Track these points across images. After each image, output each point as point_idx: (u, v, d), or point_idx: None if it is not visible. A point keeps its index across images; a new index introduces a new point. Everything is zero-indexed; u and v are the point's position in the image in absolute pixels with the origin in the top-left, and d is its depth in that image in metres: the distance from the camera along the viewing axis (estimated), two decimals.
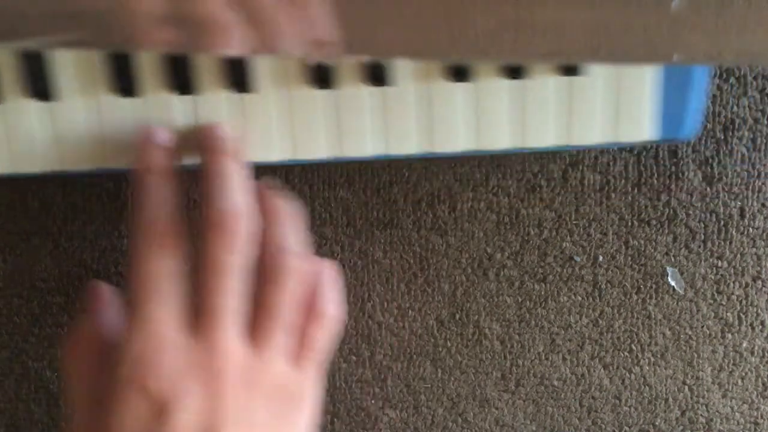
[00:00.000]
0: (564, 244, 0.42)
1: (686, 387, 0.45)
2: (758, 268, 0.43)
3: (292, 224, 0.36)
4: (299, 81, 0.36)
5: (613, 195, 0.42)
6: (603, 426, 0.46)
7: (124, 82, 0.35)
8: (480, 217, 0.42)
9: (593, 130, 0.37)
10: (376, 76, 0.35)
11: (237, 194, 0.34)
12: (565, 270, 0.43)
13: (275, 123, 0.36)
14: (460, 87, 0.36)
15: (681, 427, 0.46)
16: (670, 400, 0.45)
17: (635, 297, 0.43)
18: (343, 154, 0.37)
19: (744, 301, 0.43)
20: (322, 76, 0.35)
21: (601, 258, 0.43)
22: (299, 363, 0.35)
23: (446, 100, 0.36)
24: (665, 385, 0.45)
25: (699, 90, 0.36)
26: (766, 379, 0.45)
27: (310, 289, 0.36)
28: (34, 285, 0.43)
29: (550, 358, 0.44)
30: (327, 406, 0.45)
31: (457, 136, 0.37)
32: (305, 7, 0.30)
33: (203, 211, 0.34)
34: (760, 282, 0.43)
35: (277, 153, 0.37)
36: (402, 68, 0.36)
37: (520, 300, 0.43)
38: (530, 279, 0.43)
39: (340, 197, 0.41)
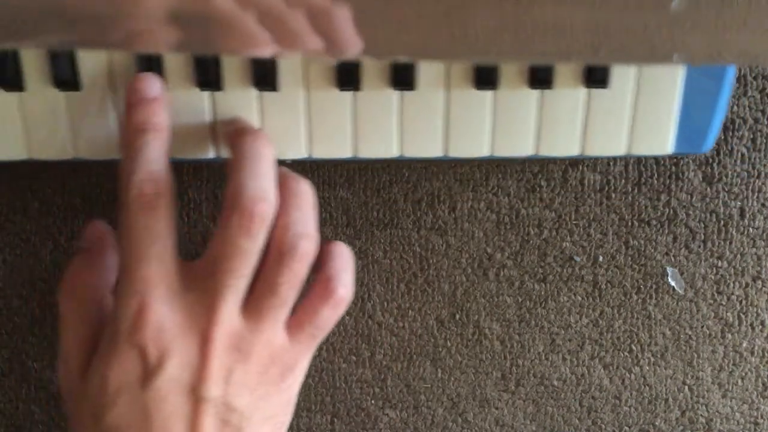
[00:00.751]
0: (564, 244, 0.42)
1: (686, 387, 0.45)
2: (758, 268, 0.43)
3: (307, 207, 0.35)
4: (323, 81, 0.36)
5: (613, 195, 0.42)
6: (603, 426, 0.46)
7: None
8: (480, 217, 0.42)
9: (614, 142, 0.37)
10: (401, 79, 0.35)
11: (265, 180, 0.34)
12: (565, 270, 0.43)
13: (297, 121, 0.36)
14: (483, 94, 0.36)
15: (681, 427, 0.46)
16: (670, 400, 0.45)
17: (635, 297, 0.43)
18: (362, 155, 0.37)
19: (744, 301, 0.43)
20: (347, 78, 0.35)
21: (601, 258, 0.43)
22: (298, 334, 0.35)
23: (469, 106, 0.36)
24: (665, 385, 0.45)
25: (723, 105, 0.36)
26: (766, 379, 0.45)
27: (324, 264, 0.36)
28: (34, 285, 0.43)
29: (550, 358, 0.44)
30: (327, 406, 0.45)
31: (477, 143, 0.37)
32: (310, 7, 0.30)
33: (229, 192, 0.33)
34: (760, 282, 0.43)
35: (296, 151, 0.37)
36: (426, 72, 0.36)
37: (520, 300, 0.43)
38: (530, 279, 0.43)
39: (340, 197, 0.41)
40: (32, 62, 0.35)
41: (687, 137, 0.37)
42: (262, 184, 0.33)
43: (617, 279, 0.43)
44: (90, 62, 0.35)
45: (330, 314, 0.35)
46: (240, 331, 0.33)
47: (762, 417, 0.46)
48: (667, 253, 0.43)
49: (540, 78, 0.35)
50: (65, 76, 0.35)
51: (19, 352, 0.44)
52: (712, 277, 0.43)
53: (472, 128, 0.36)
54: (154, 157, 0.33)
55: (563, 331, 0.44)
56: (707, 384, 0.45)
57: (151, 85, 0.34)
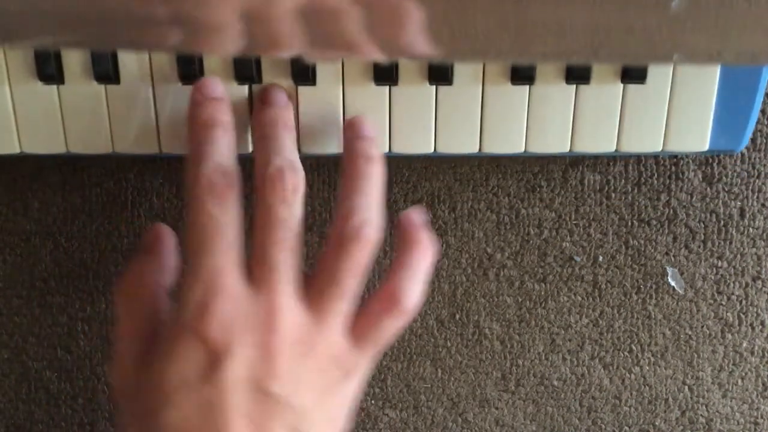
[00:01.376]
0: (564, 244, 0.42)
1: (686, 387, 0.45)
2: (758, 268, 0.43)
3: (374, 192, 0.35)
4: (359, 77, 0.36)
5: (613, 195, 0.42)
6: (603, 426, 0.46)
7: (187, 70, 0.35)
8: (480, 217, 0.42)
9: (650, 139, 0.37)
10: (438, 74, 0.35)
11: (287, 149, 0.34)
12: (565, 270, 0.43)
13: (331, 115, 0.36)
14: (519, 89, 0.36)
15: (681, 427, 0.46)
16: (670, 400, 0.45)
17: (635, 297, 0.43)
18: (397, 151, 0.37)
19: (744, 301, 0.43)
20: (384, 74, 0.35)
21: (601, 258, 0.43)
22: (359, 341, 0.34)
23: (504, 101, 0.36)
24: (665, 385, 0.45)
25: (759, 101, 0.36)
26: (766, 379, 0.45)
27: (393, 270, 0.35)
28: (34, 285, 0.43)
29: (550, 358, 0.44)
30: None
31: (512, 139, 0.37)
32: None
33: (257, 168, 0.33)
34: (760, 282, 0.43)
35: (329, 146, 0.37)
36: (462, 67, 0.35)
37: (520, 300, 0.43)
38: (530, 279, 0.43)
39: None
40: (73, 55, 0.35)
41: (723, 134, 0.37)
42: (284, 152, 0.33)
43: (617, 279, 0.43)
44: (129, 55, 0.35)
45: (391, 325, 0.35)
46: (302, 321, 0.33)
47: (762, 417, 0.45)
48: (667, 253, 0.43)
49: (577, 73, 0.35)
50: (105, 70, 0.35)
51: (19, 352, 0.44)
52: (712, 277, 0.43)
53: (508, 124, 0.36)
54: (223, 151, 0.33)
55: (563, 331, 0.44)
56: (707, 384, 0.45)
57: (216, 86, 0.35)
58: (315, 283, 0.34)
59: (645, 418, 0.46)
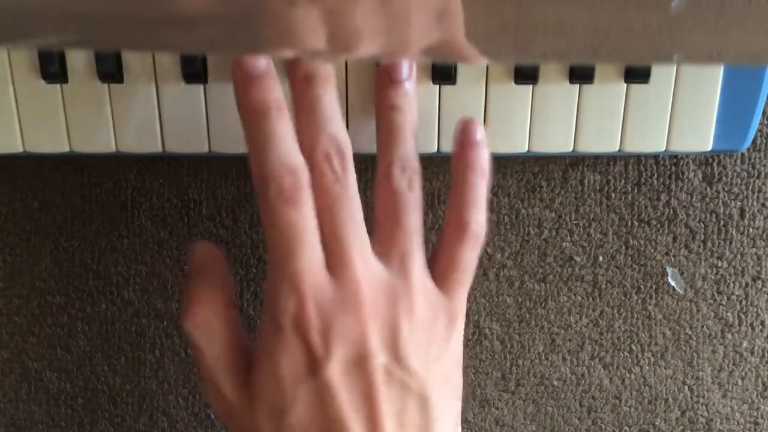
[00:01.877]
0: (564, 244, 0.42)
1: (686, 387, 0.45)
2: (758, 268, 0.43)
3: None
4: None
5: (613, 195, 0.42)
6: (603, 426, 0.46)
7: (190, 70, 0.35)
8: None
9: (654, 138, 0.37)
10: (441, 74, 0.35)
11: (334, 124, 0.33)
12: (565, 270, 0.43)
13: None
14: (522, 89, 0.36)
15: (681, 427, 0.46)
16: (670, 400, 0.45)
17: (635, 297, 0.43)
18: None
19: (744, 301, 0.43)
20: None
21: (601, 258, 0.43)
22: (445, 284, 0.34)
23: (507, 101, 0.36)
24: (665, 385, 0.45)
25: (762, 101, 0.36)
26: (766, 379, 0.45)
27: (452, 201, 0.35)
28: (34, 285, 0.43)
29: (550, 358, 0.44)
30: None
31: (515, 138, 0.37)
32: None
33: (306, 147, 0.33)
34: (760, 282, 0.43)
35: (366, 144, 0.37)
36: (466, 67, 0.35)
37: (520, 300, 0.43)
38: (530, 279, 0.43)
39: None
40: (76, 54, 0.35)
41: (726, 134, 0.37)
42: (332, 128, 0.33)
43: (617, 279, 0.43)
44: (132, 54, 0.35)
45: (470, 255, 0.35)
46: (385, 277, 0.33)
47: (762, 417, 0.45)
48: (667, 253, 0.43)
49: (580, 73, 0.35)
50: (109, 69, 0.35)
51: (19, 352, 0.44)
52: (712, 277, 0.43)
53: (511, 124, 0.36)
54: (284, 144, 0.32)
55: (563, 331, 0.44)
56: (707, 384, 0.45)
57: (258, 61, 0.33)
58: (379, 235, 0.34)
59: (645, 418, 0.46)
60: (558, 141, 0.37)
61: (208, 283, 0.35)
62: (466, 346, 0.44)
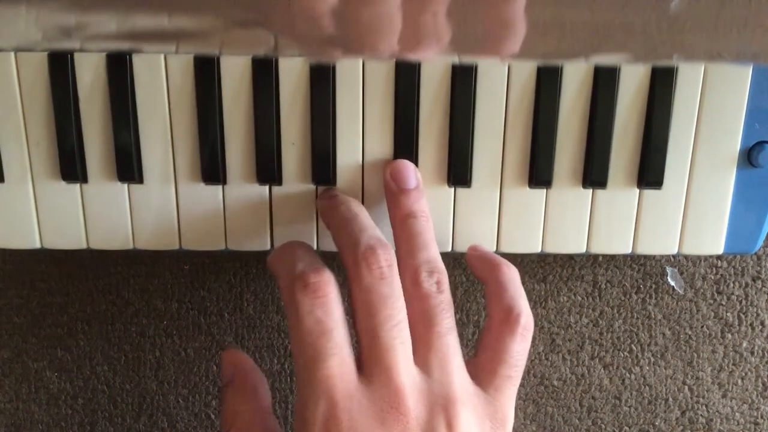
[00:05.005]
0: None
1: (686, 387, 0.45)
2: (758, 268, 0.43)
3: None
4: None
5: None
6: (603, 426, 0.46)
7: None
8: None
9: (666, 242, 0.37)
10: (456, 177, 0.36)
11: (370, 227, 0.34)
12: (565, 270, 0.43)
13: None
14: (536, 193, 0.36)
15: (681, 427, 0.46)
16: (670, 400, 0.45)
17: (635, 297, 0.43)
18: None
19: (744, 301, 0.43)
20: None
21: (601, 258, 0.43)
22: (492, 381, 0.33)
23: (522, 204, 0.37)
24: (665, 385, 0.45)
25: None
26: (766, 379, 0.45)
27: (496, 293, 0.35)
28: (34, 285, 0.43)
29: (550, 358, 0.44)
30: None
31: (529, 239, 0.37)
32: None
33: (345, 251, 0.33)
34: (760, 282, 0.43)
35: None
36: (481, 170, 0.36)
37: None
38: (530, 279, 0.43)
39: None
40: (96, 154, 0.36)
41: (738, 237, 0.37)
42: (368, 233, 0.34)
43: (617, 279, 0.43)
44: (152, 156, 0.36)
45: (521, 348, 0.33)
46: (425, 382, 0.32)
47: (762, 417, 0.45)
48: None
49: (593, 178, 0.36)
50: (129, 170, 0.35)
51: (19, 352, 0.44)
52: (712, 277, 0.43)
53: (525, 226, 0.37)
54: (304, 255, 0.34)
55: (563, 331, 0.44)
56: (707, 384, 0.45)
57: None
58: (416, 336, 0.32)
59: (645, 418, 0.46)
60: (571, 243, 0.37)
61: (245, 397, 0.35)
62: (466, 346, 0.44)
